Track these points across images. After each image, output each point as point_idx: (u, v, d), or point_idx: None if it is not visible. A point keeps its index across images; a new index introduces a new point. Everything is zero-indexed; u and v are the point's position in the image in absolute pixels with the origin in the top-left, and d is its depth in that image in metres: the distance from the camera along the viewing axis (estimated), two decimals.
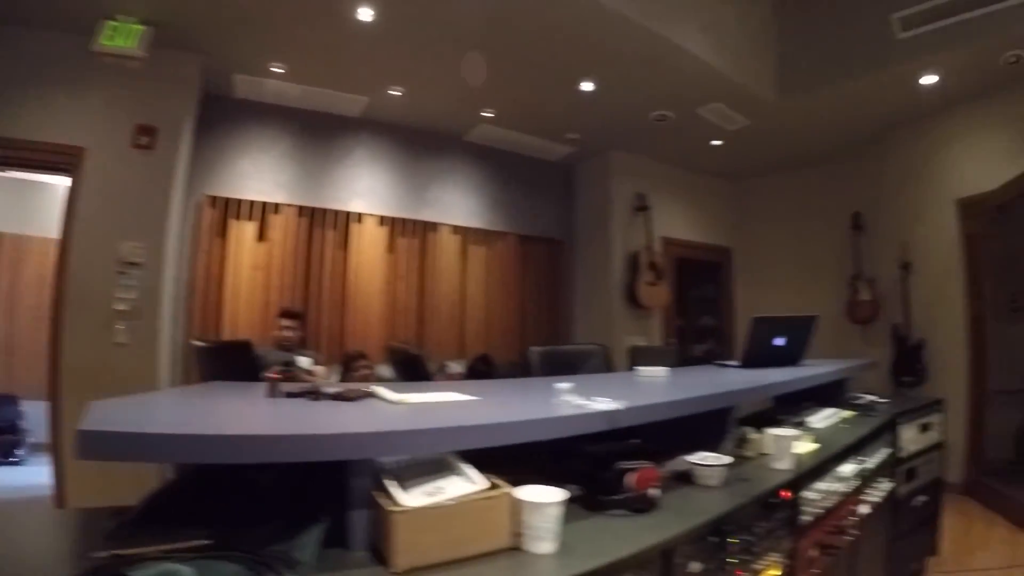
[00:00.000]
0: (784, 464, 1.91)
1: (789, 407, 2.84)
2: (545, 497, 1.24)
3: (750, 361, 2.96)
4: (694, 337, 7.50)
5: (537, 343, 4.34)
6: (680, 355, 4.14)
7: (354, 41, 4.33)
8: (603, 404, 1.53)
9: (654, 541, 1.29)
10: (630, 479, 1.48)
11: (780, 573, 1.76)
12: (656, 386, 2.28)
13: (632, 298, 6.20)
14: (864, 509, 2.47)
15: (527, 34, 4.27)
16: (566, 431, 1.42)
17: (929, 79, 4.96)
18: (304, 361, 4.12)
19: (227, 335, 4.74)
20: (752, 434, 2.06)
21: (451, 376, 4.99)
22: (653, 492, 1.49)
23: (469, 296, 5.98)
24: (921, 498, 3.35)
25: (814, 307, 6.05)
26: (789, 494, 1.79)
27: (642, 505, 1.48)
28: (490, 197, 6.25)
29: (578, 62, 4.65)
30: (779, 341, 3.04)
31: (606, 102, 5.24)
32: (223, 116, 5.04)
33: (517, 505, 1.24)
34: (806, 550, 1.94)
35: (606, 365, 3.50)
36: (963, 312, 5.33)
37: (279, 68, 4.71)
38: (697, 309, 7.73)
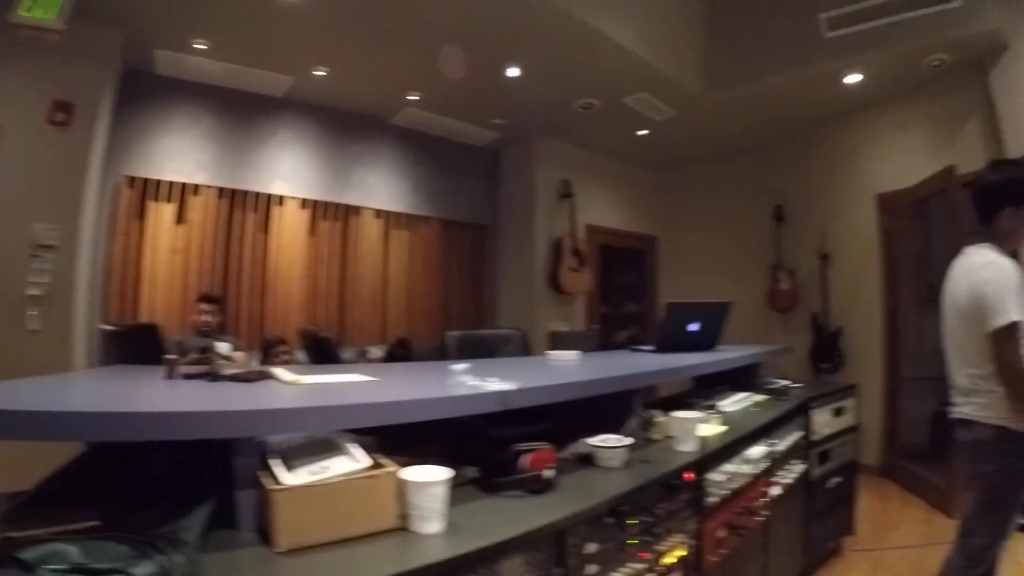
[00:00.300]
0: (688, 446, 1.94)
1: (703, 391, 2.90)
2: (429, 476, 1.24)
3: (665, 346, 3.02)
4: (618, 323, 7.59)
5: (460, 328, 4.34)
6: (603, 341, 4.19)
7: (279, 19, 4.22)
8: (495, 385, 1.53)
9: (544, 521, 1.30)
10: (525, 460, 1.49)
11: (685, 553, 1.80)
12: (561, 369, 2.31)
13: (555, 284, 6.24)
14: (775, 491, 2.54)
15: (452, 17, 4.22)
16: (454, 411, 1.43)
17: (853, 78, 5.13)
18: (223, 347, 4.03)
19: (145, 320, 4.59)
20: (659, 417, 2.09)
21: (371, 360, 4.96)
22: (548, 473, 1.50)
23: (391, 281, 5.93)
24: (836, 479, 3.46)
25: (737, 295, 6.19)
26: (692, 476, 1.82)
27: (537, 486, 1.48)
28: (414, 181, 6.20)
29: (504, 47, 4.63)
30: (694, 327, 3.09)
31: (532, 89, 5.23)
32: (143, 93, 4.84)
33: (403, 485, 1.24)
34: (714, 531, 1.99)
35: (523, 350, 3.52)
36: (879, 302, 5.56)
37: (202, 44, 4.55)
38: (621, 296, 7.82)
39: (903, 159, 5.40)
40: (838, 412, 3.52)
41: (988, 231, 2.54)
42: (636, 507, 1.59)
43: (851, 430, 3.71)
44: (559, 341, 3.66)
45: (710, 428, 2.21)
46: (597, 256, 6.91)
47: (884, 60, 4.84)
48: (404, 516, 1.24)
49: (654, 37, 4.88)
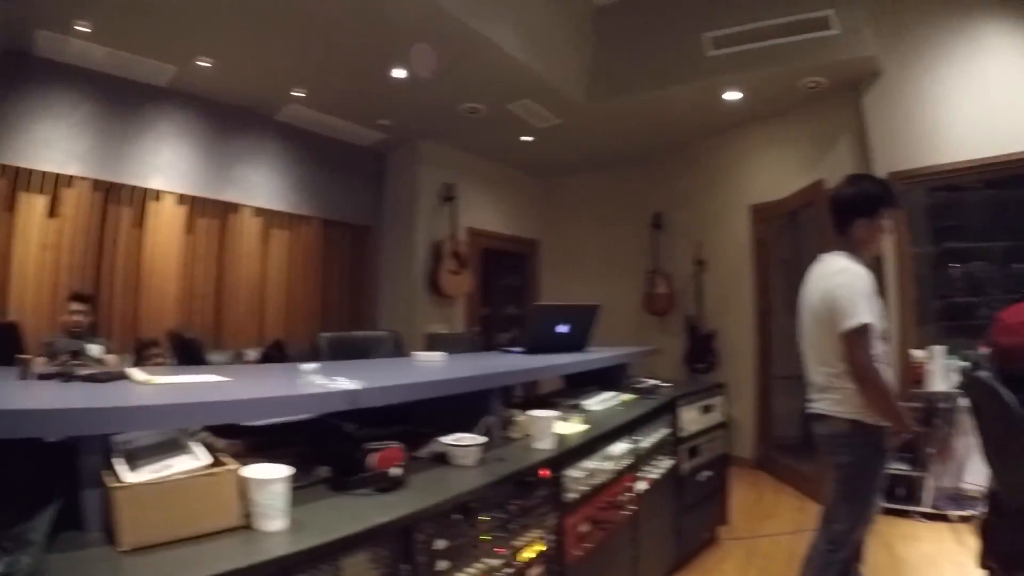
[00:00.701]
0: (545, 444, 2.03)
1: (573, 391, 3.03)
2: (269, 474, 1.27)
3: (534, 347, 3.11)
4: (500, 326, 7.68)
5: (339, 329, 4.32)
6: (483, 343, 4.27)
7: (164, 4, 4.06)
8: (342, 384, 1.57)
9: (385, 519, 1.34)
10: (373, 459, 1.53)
11: (544, 549, 1.88)
12: (420, 370, 2.37)
13: (435, 286, 6.28)
14: (642, 485, 2.69)
15: (338, 14, 4.20)
16: (298, 410, 1.47)
17: (733, 95, 5.43)
18: (95, 349, 3.88)
19: (14, 319, 4.34)
20: (518, 416, 2.18)
21: (247, 363, 4.88)
22: (395, 471, 1.54)
23: (270, 281, 5.81)
24: (706, 473, 3.67)
25: (616, 299, 6.53)
26: (548, 473, 1.92)
27: (385, 484, 1.53)
28: (297, 180, 6.09)
29: (390, 48, 4.63)
30: (563, 328, 3.20)
31: (418, 91, 5.23)
32: (21, 75, 4.56)
33: (244, 483, 1.26)
34: (575, 526, 2.09)
35: (397, 351, 3.55)
36: (751, 306, 5.94)
37: (84, 27, 4.31)
38: (503, 299, 7.93)
39: (777, 173, 5.76)
40: (706, 409, 3.73)
41: (843, 240, 2.77)
42: (488, 504, 1.66)
43: (720, 426, 3.93)
44: (434, 343, 3.71)
45: (570, 426, 2.31)
46: (478, 259, 6.98)
47: (763, 80, 5.14)
48: (247, 515, 1.26)
49: (540, 45, 4.99)
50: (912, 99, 4.85)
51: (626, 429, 2.60)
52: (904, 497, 4.46)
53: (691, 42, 5.10)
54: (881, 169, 4.81)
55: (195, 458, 1.28)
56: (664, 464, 3.04)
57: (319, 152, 6.24)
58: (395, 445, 1.59)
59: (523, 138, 6.39)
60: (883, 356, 2.64)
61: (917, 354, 4.56)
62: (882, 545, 3.94)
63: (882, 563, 3.67)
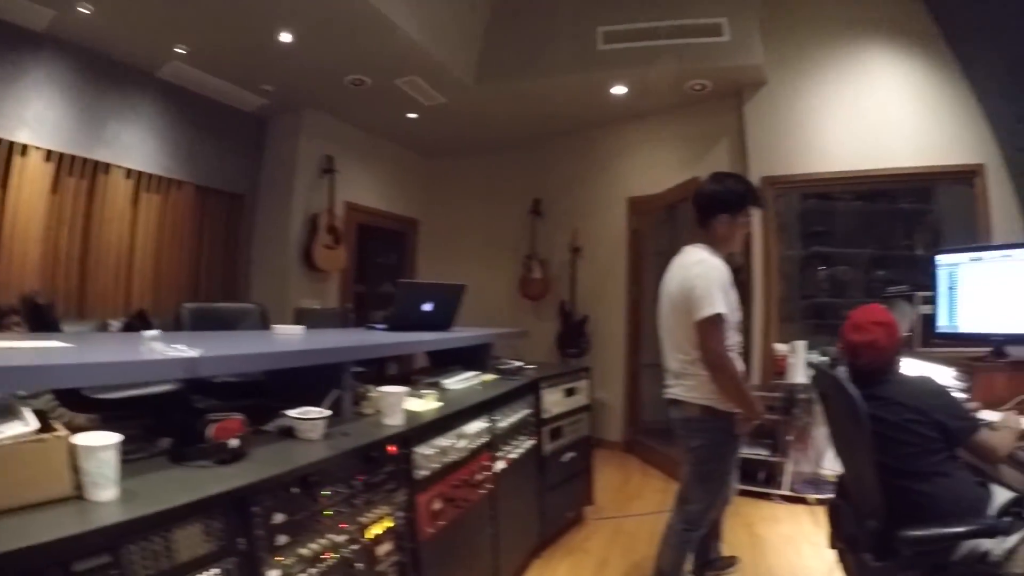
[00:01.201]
0: (394, 420, 2.11)
1: (438, 370, 3.13)
2: (97, 441, 1.27)
3: (397, 324, 3.16)
4: (375, 303, 7.55)
5: (209, 301, 4.19)
6: (357, 320, 4.28)
7: None
8: (181, 352, 1.58)
9: (219, 489, 1.37)
10: (211, 431, 1.57)
11: (393, 525, 1.96)
12: (273, 342, 2.40)
13: (308, 260, 6.21)
14: (500, 465, 2.82)
15: None
16: (135, 376, 1.48)
17: (620, 90, 5.67)
18: None
19: None
20: (372, 392, 2.25)
21: (111, 331, 4.69)
22: (233, 443, 1.58)
23: (139, 248, 5.51)
24: (570, 454, 3.85)
25: (492, 282, 6.73)
26: (396, 449, 2.00)
27: (224, 455, 1.57)
28: (173, 143, 5.77)
29: (277, 10, 4.49)
30: (427, 307, 3.30)
31: (304, 57, 5.13)
32: None
33: (74, 451, 1.26)
34: (427, 503, 2.16)
35: (263, 325, 3.53)
36: (624, 295, 6.24)
37: None
38: (379, 276, 7.87)
39: (656, 168, 6.08)
40: (570, 392, 3.92)
41: (705, 234, 2.99)
42: (330, 478, 1.71)
43: (584, 409, 4.12)
44: (303, 318, 3.70)
45: (423, 404, 2.40)
46: (355, 235, 6.93)
47: (651, 78, 5.38)
48: (79, 485, 1.26)
49: (432, 22, 4.96)
50: (791, 110, 5.28)
51: (482, 408, 2.71)
52: (765, 481, 4.83)
53: (585, 34, 5.29)
54: (756, 173, 5.22)
55: (25, 424, 1.27)
56: (525, 444, 3.19)
57: (198, 114, 5.94)
58: (236, 417, 1.62)
59: (409, 115, 6.38)
60: (737, 346, 2.87)
61: (780, 348, 4.93)
62: (743, 526, 4.25)
63: (743, 543, 3.96)
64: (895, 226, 5.76)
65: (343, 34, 4.76)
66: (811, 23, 5.26)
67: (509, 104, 6.13)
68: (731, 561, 3.57)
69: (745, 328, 5.13)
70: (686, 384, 2.86)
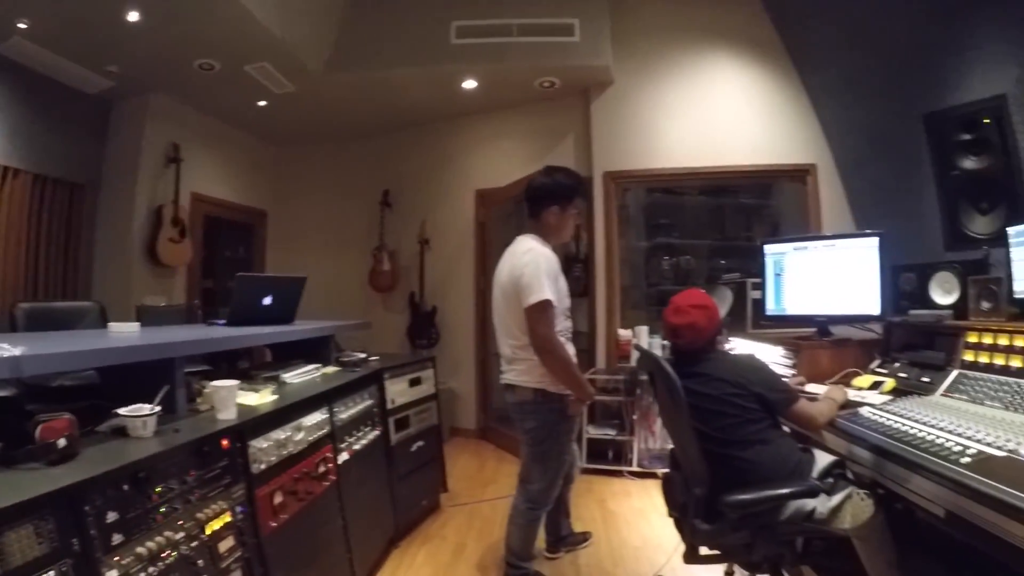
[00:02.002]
0: (227, 414, 2.19)
1: (280, 363, 3.21)
2: None
3: (237, 319, 3.22)
4: (224, 300, 7.41)
5: (46, 299, 3.99)
6: (204, 317, 4.22)
7: None
8: (2, 351, 1.60)
9: (46, 489, 1.39)
10: (38, 432, 1.61)
11: (232, 520, 2.01)
12: (105, 339, 2.41)
13: (152, 255, 6.02)
14: (343, 456, 2.94)
15: None
16: None
17: (470, 84, 5.88)
18: None
19: None
20: (206, 388, 2.31)
21: None
22: (61, 443, 1.62)
23: None
24: (419, 443, 4.03)
25: (342, 275, 6.81)
26: (229, 443, 2.08)
27: (54, 456, 1.60)
28: (9, 127, 5.37)
29: None
30: (267, 300, 3.36)
31: (151, 38, 4.93)
32: None
33: None
34: (267, 497, 2.24)
35: (102, 324, 3.49)
36: (472, 285, 6.47)
37: None
38: (228, 271, 7.59)
39: (504, 162, 6.35)
40: (415, 382, 4.08)
41: (536, 224, 3.22)
42: (163, 474, 1.76)
43: (431, 398, 4.31)
44: (145, 316, 3.64)
45: (259, 397, 2.49)
46: (202, 228, 6.77)
47: (501, 74, 5.65)
48: None
49: (284, 7, 4.92)
50: (637, 109, 5.71)
51: (321, 400, 2.81)
52: (614, 459, 5.23)
53: (438, 28, 5.44)
54: (599, 168, 5.68)
55: None
56: (370, 435, 3.32)
57: (38, 95, 5.53)
58: (64, 416, 1.66)
59: (259, 102, 6.29)
60: (567, 331, 3.13)
61: (624, 333, 5.32)
62: (595, 502, 4.60)
63: (596, 517, 4.30)
64: (737, 219, 6.41)
65: (193, 15, 4.64)
66: (661, 28, 5.72)
67: (361, 94, 6.19)
68: (584, 536, 3.88)
69: (590, 315, 5.54)
70: (518, 369, 3.09)
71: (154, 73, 5.69)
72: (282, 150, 7.77)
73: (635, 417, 5.19)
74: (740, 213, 6.49)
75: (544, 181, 3.21)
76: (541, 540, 3.65)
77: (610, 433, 5.31)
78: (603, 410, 5.50)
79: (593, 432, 5.35)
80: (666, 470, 2.98)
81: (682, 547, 2.72)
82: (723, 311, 2.90)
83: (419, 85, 5.97)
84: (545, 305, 2.88)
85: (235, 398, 2.24)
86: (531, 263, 2.95)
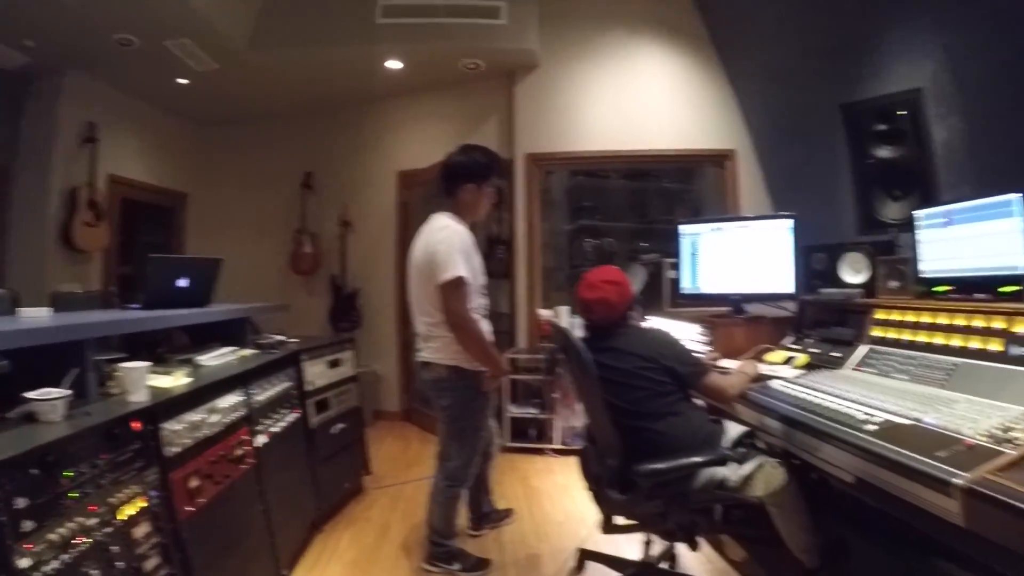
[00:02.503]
0: (138, 397, 2.16)
1: (195, 347, 3.18)
2: None
3: (152, 302, 3.17)
4: (141, 285, 7.21)
5: None
6: (122, 303, 4.10)
7: None
8: None
9: None
10: None
11: (147, 505, 1.99)
12: (8, 324, 2.34)
13: (67, 240, 5.78)
14: (261, 439, 2.93)
15: None
16: None
17: (395, 65, 5.83)
18: None
19: None
20: (117, 371, 2.28)
21: None
22: None
23: None
24: (339, 426, 4.03)
25: (263, 258, 6.69)
26: (140, 425, 2.05)
27: None
28: None
29: None
30: (183, 282, 3.32)
31: (68, 10, 4.67)
32: None
33: None
34: (184, 480, 2.21)
35: (13, 311, 3.35)
36: (393, 267, 6.47)
37: None
38: (147, 256, 7.36)
39: (427, 143, 6.31)
40: (334, 364, 4.08)
41: (451, 203, 3.26)
42: (72, 459, 1.73)
43: (350, 380, 4.31)
44: (60, 303, 3.53)
45: (172, 380, 2.46)
46: (119, 211, 6.53)
47: (426, 54, 5.63)
48: None
49: None
50: (561, 92, 5.81)
51: (236, 382, 2.79)
52: (536, 437, 5.35)
53: (364, 6, 5.35)
54: (522, 149, 5.78)
55: None
56: (288, 417, 3.31)
57: None
58: None
59: (180, 80, 6.07)
60: (481, 308, 3.18)
61: (544, 313, 5.42)
62: (519, 480, 4.71)
63: (520, 495, 4.40)
64: (659, 203, 6.61)
65: None
66: (588, 14, 5.82)
67: (284, 74, 6.07)
68: (507, 513, 3.96)
69: (511, 295, 5.61)
70: (433, 346, 3.15)
71: (71, 48, 5.43)
72: (204, 131, 7.53)
73: (556, 396, 5.30)
74: (663, 197, 6.69)
75: (460, 159, 3.27)
76: (465, 518, 3.72)
77: (532, 412, 5.43)
78: (525, 389, 5.60)
79: (515, 411, 5.45)
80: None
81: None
82: (636, 287, 2.98)
83: (344, 65, 5.90)
84: (459, 282, 2.93)
85: (146, 380, 2.22)
86: (445, 240, 3.00)
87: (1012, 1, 2.86)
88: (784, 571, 3.08)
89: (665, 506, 2.51)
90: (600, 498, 2.69)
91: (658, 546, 3.15)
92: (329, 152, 7.00)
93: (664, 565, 3.18)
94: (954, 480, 1.57)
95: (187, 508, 2.21)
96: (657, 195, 6.69)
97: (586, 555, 3.30)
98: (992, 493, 1.47)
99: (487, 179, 3.27)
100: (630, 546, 3.05)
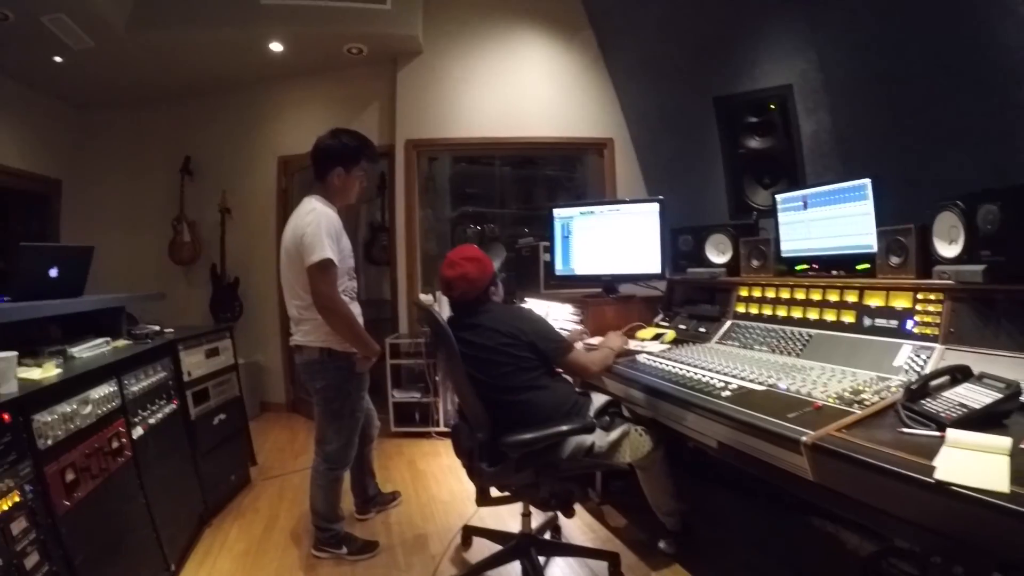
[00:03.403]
0: (7, 388, 2.10)
1: (67, 337, 3.07)
2: None
3: (22, 293, 3.05)
4: (11, 275, 6.81)
5: None
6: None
7: None
8: None
9: None
10: None
11: (21, 500, 1.94)
12: None
13: None
14: (138, 431, 2.86)
15: None
16: None
17: (277, 47, 5.70)
18: None
19: None
20: None
21: None
22: None
23: None
24: (220, 416, 3.99)
25: (141, 247, 6.46)
26: (9, 417, 1.98)
27: None
28: None
29: None
30: (54, 272, 3.21)
31: None
32: None
33: None
34: (58, 474, 2.16)
35: None
36: (274, 255, 6.33)
37: None
38: (18, 245, 6.98)
39: (309, 128, 6.05)
40: (212, 353, 4.02)
41: (322, 186, 3.26)
42: None
43: (230, 369, 4.27)
44: None
45: (42, 371, 2.41)
46: None
47: (310, 38, 5.54)
48: None
49: None
50: (443, 79, 5.87)
51: (109, 372, 2.72)
52: (421, 420, 5.43)
53: None
54: (403, 135, 5.83)
55: None
56: (166, 408, 3.24)
57: None
58: None
59: (55, 59, 5.70)
60: (351, 291, 3.23)
61: (424, 298, 5.47)
62: (405, 463, 4.79)
63: (406, 477, 4.49)
64: (542, 190, 6.83)
65: None
66: (472, 2, 5.91)
67: (163, 54, 5.81)
68: (393, 496, 4.04)
69: (392, 281, 5.65)
70: (304, 329, 3.17)
71: None
72: (79, 114, 7.09)
73: (438, 379, 5.39)
74: (546, 184, 6.86)
75: (329, 143, 3.28)
76: (352, 504, 3.80)
77: (415, 396, 5.51)
78: (408, 374, 5.70)
79: (398, 396, 5.52)
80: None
81: None
82: (496, 264, 3.10)
83: (225, 46, 5.73)
84: (326, 264, 2.96)
85: (14, 370, 2.15)
86: (313, 223, 3.01)
87: (880, 8, 3.12)
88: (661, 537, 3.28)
89: (536, 476, 2.63)
90: (473, 472, 2.78)
91: (539, 518, 3.30)
92: (209, 137, 6.77)
93: (547, 536, 3.33)
94: (802, 438, 1.73)
95: (64, 502, 2.16)
96: (540, 182, 6.86)
97: (471, 531, 3.42)
98: (834, 448, 1.65)
99: (356, 163, 3.29)
100: (514, 520, 3.16)
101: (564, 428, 2.57)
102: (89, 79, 6.32)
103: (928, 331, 2.38)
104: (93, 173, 7.04)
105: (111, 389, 2.67)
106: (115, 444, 2.61)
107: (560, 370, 2.91)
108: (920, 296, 2.47)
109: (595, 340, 3.44)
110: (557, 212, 4.30)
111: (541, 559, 3.06)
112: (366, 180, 3.45)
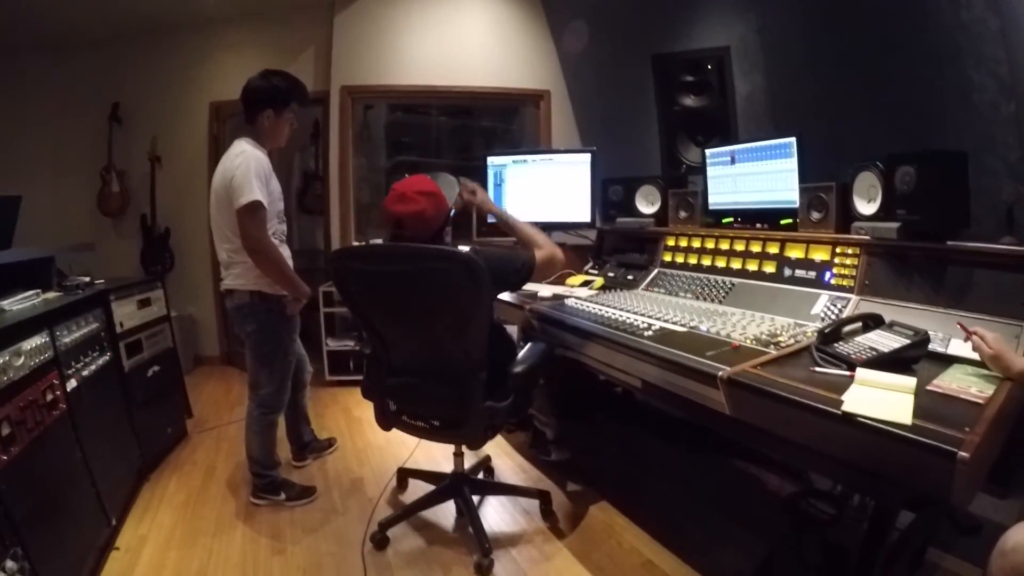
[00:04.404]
0: None
1: None
2: None
3: None
4: None
5: None
6: None
7: None
8: None
9: None
10: None
11: None
12: None
13: None
14: (72, 383, 2.82)
15: None
16: None
17: None
18: None
19: None
20: None
21: None
22: None
23: None
24: (155, 368, 3.96)
25: (69, 199, 6.18)
26: None
27: None
28: None
29: None
30: None
31: None
32: None
33: None
34: None
35: None
36: (206, 204, 6.14)
37: None
38: None
39: (242, 74, 5.79)
40: (144, 303, 3.97)
41: (251, 129, 3.21)
42: None
43: (163, 320, 4.23)
44: None
45: None
46: None
47: None
48: None
49: None
50: (380, 26, 5.78)
51: (40, 323, 2.68)
52: (355, 369, 5.47)
53: None
54: (338, 81, 5.75)
55: None
56: (100, 360, 3.19)
57: None
58: None
59: None
60: (281, 234, 3.22)
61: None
62: (340, 411, 4.89)
63: (342, 425, 4.58)
64: (480, 140, 6.85)
65: None
66: None
67: None
68: (330, 442, 4.11)
69: (326, 230, 5.61)
70: (234, 272, 3.16)
71: None
72: (1, 57, 6.62)
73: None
74: (483, 135, 6.86)
75: (259, 84, 3.23)
76: (289, 452, 3.86)
77: (349, 344, 5.55)
78: (341, 323, 5.74)
79: (333, 345, 5.56)
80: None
81: (423, 442, 3.26)
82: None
83: None
84: (255, 206, 2.93)
85: None
86: (242, 165, 2.97)
87: None
88: (599, 477, 3.42)
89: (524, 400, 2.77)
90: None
91: (472, 458, 3.43)
92: (138, 82, 6.47)
93: (480, 476, 3.44)
94: (719, 373, 1.85)
95: (2, 457, 2.13)
96: (477, 133, 6.85)
97: (406, 473, 3.53)
98: (749, 382, 1.77)
99: (287, 105, 3.25)
100: (447, 461, 3.26)
101: (544, 346, 2.72)
102: (10, 20, 5.88)
103: (845, 283, 2.55)
104: (12, 121, 6.62)
105: (43, 340, 2.62)
106: (49, 397, 2.57)
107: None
108: (839, 250, 2.64)
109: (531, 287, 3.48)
110: (491, 160, 4.37)
111: (475, 498, 3.17)
112: (297, 123, 3.40)
